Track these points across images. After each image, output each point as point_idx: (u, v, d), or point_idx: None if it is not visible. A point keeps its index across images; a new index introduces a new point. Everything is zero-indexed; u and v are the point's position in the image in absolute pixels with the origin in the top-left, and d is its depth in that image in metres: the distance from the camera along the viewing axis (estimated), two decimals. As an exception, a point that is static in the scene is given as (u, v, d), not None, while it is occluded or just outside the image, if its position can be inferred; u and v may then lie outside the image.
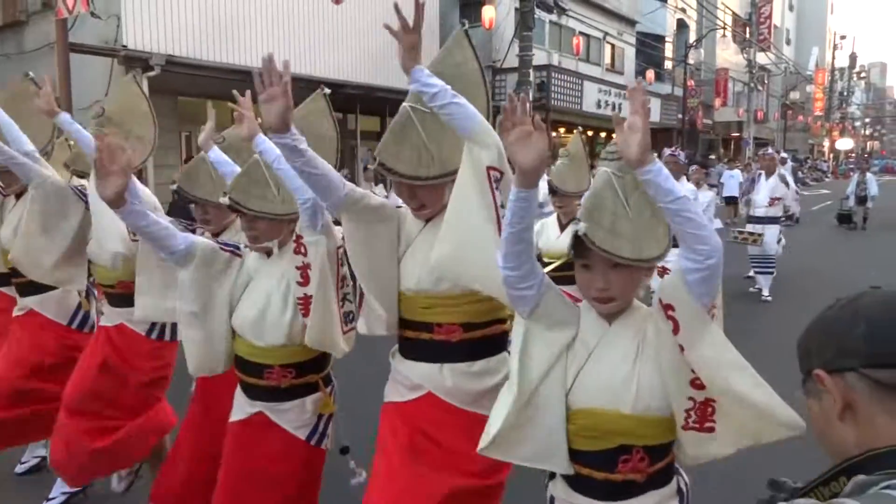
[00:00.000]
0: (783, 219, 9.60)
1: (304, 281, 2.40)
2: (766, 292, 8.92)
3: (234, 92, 2.57)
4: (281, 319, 2.45)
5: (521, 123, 1.65)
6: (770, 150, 9.66)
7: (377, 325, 2.44)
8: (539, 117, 1.74)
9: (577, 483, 1.81)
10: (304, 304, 2.42)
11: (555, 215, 4.76)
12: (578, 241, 1.73)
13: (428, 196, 2.29)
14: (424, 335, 2.34)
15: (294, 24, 13.62)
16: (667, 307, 1.66)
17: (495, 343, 2.37)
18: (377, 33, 14.23)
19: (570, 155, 4.56)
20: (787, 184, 9.40)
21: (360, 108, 15.86)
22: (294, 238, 2.45)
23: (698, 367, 1.64)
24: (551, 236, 4.65)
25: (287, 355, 2.50)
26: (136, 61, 10.70)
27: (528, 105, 1.71)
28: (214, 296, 2.53)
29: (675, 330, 1.64)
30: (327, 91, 2.72)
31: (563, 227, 4.59)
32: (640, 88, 1.60)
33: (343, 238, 2.40)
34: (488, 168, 2.10)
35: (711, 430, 1.71)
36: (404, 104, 2.29)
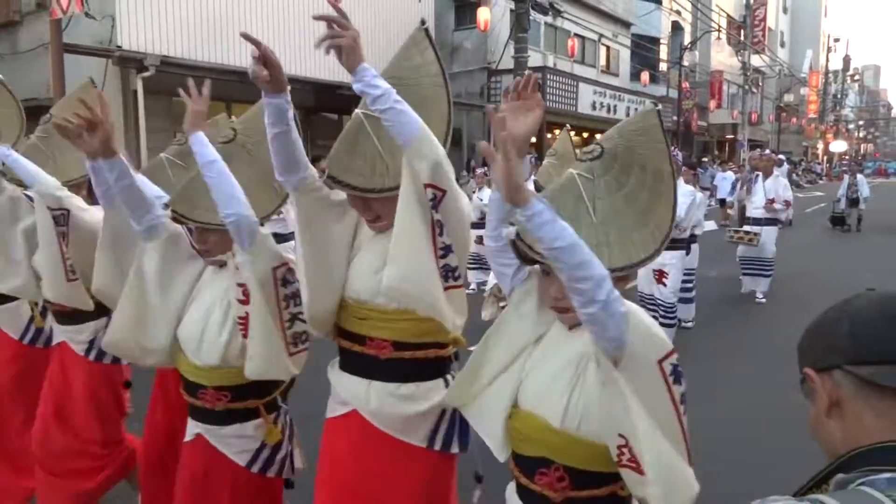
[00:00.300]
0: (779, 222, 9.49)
1: (245, 299, 2.25)
2: (759, 295, 8.83)
3: (190, 81, 2.32)
4: (217, 340, 2.31)
5: (526, 99, 1.64)
6: (767, 151, 9.58)
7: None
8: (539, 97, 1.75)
9: (515, 482, 1.79)
10: (244, 324, 2.27)
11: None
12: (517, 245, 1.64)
13: (383, 208, 2.15)
14: (356, 347, 2.23)
15: (289, 25, 13.60)
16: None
17: (429, 367, 2.22)
18: (372, 35, 14.25)
19: (557, 154, 4.48)
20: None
21: (355, 108, 15.81)
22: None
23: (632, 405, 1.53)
24: None
25: (222, 377, 2.35)
26: (130, 62, 10.68)
27: (537, 86, 1.72)
28: (174, 280, 2.42)
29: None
30: (426, 26, 2.35)
31: None
32: (499, 117, 1.48)
33: (294, 246, 2.25)
34: (426, 185, 1.99)
35: (644, 472, 1.51)
36: (357, 110, 2.16)
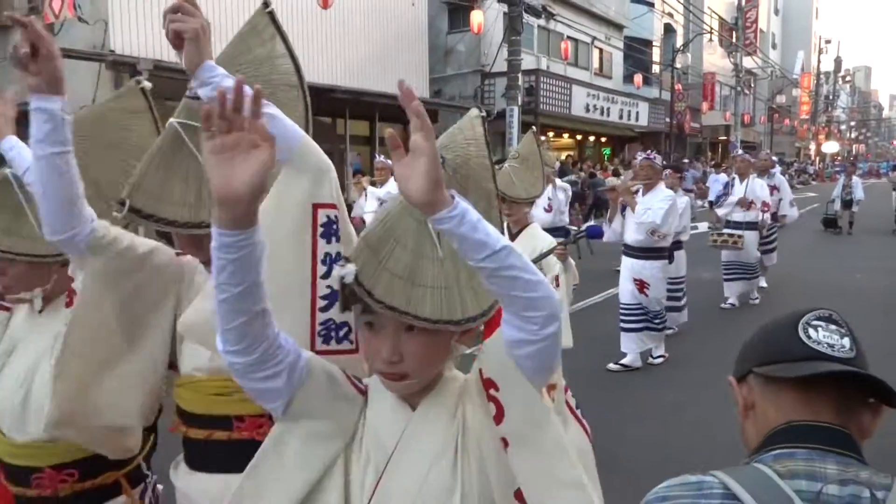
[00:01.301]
0: (775, 224, 9.31)
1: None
2: (754, 295, 8.79)
3: None
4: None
5: (419, 129, 1.04)
6: (740, 152, 9.20)
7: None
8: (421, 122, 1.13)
9: None
10: None
11: (505, 225, 4.31)
12: (349, 289, 1.22)
13: None
14: (219, 434, 1.75)
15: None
16: (488, 384, 1.23)
17: None
18: (366, 38, 14.28)
19: (520, 157, 4.07)
20: (776, 188, 9.04)
21: (350, 112, 15.83)
22: (69, 289, 1.86)
23: (522, 476, 1.20)
24: None
25: (61, 451, 1.80)
26: (123, 66, 10.65)
27: (415, 101, 1.05)
28: None
29: (499, 417, 1.21)
30: (270, 8, 1.87)
31: (513, 238, 3.99)
32: (410, 92, 1.04)
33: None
34: (315, 206, 1.57)
35: None
36: (171, 120, 1.67)
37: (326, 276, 1.57)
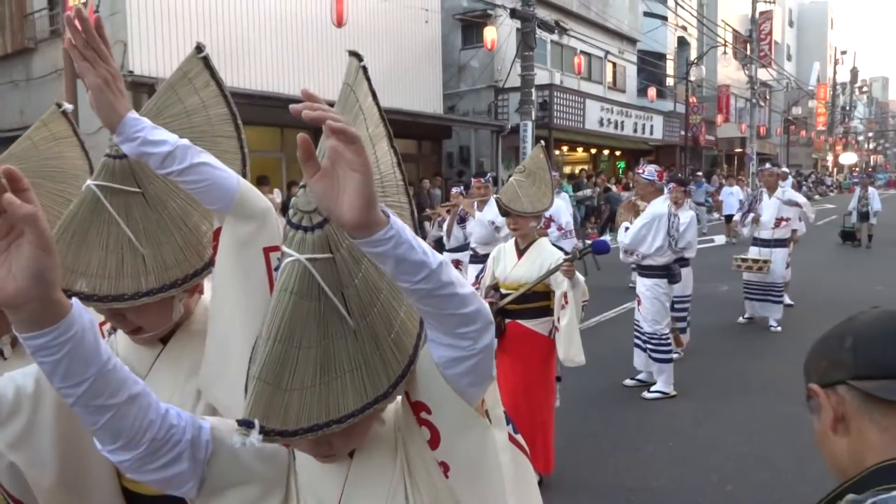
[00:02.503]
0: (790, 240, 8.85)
1: None
2: (774, 323, 8.16)
3: None
4: None
5: (337, 135, 0.91)
6: (768, 165, 8.73)
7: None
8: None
9: None
10: None
11: (513, 240, 4.19)
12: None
13: (145, 316, 1.54)
14: None
15: (298, 48, 13.76)
16: (418, 407, 1.13)
17: None
18: (380, 55, 14.42)
19: (526, 171, 4.08)
20: (796, 204, 8.43)
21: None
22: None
23: (464, 501, 1.15)
24: (508, 264, 4.11)
25: None
26: (142, 87, 10.81)
27: (318, 113, 0.96)
28: None
29: (434, 441, 1.12)
30: (204, 54, 1.73)
31: (520, 253, 4.08)
32: (311, 96, 0.97)
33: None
34: (266, 250, 1.51)
35: None
36: (89, 182, 1.53)
37: None
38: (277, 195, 10.02)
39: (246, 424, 1.01)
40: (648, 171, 5.96)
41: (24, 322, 0.88)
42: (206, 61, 1.69)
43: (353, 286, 1.08)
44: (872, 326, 1.03)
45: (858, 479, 0.98)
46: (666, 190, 6.06)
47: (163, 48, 11.55)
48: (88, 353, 0.92)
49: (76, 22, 1.33)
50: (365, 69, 1.23)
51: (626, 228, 5.89)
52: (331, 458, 1.16)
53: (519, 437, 1.34)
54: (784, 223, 8.11)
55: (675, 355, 6.78)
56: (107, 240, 1.52)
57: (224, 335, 1.51)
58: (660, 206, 5.81)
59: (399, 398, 1.17)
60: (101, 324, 1.66)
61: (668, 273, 5.84)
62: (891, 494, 0.91)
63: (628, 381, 6.15)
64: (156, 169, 1.44)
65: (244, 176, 1.66)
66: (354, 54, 1.25)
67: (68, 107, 2.00)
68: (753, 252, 8.28)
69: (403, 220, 1.13)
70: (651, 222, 5.67)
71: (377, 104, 1.25)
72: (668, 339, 5.89)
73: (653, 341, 5.85)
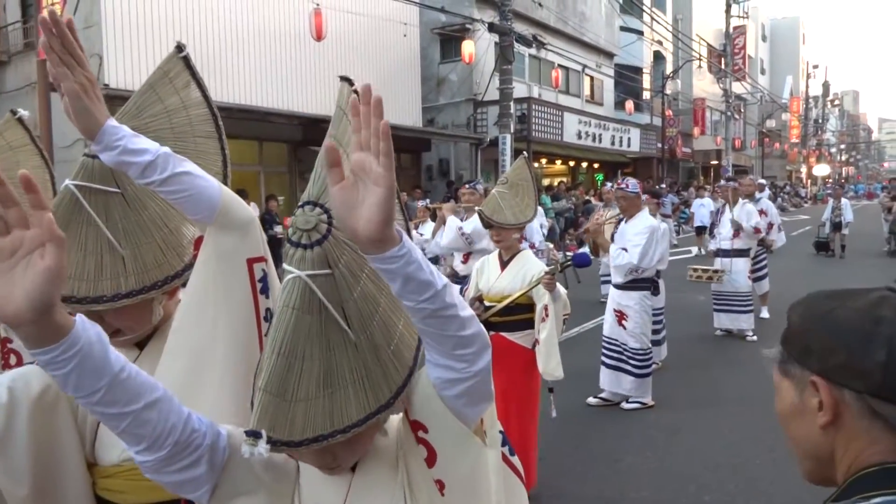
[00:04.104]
0: (762, 250, 8.98)
1: None
2: (749, 333, 8.19)
3: None
4: None
5: (364, 148, 0.93)
6: (723, 182, 8.65)
7: None
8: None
9: None
10: None
11: (496, 252, 4.18)
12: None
13: (126, 318, 1.54)
14: None
15: (276, 61, 13.74)
16: (416, 426, 1.15)
17: None
18: (359, 68, 14.36)
19: (508, 182, 4.06)
20: (739, 226, 8.19)
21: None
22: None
23: None
24: (492, 276, 4.08)
25: None
26: (117, 100, 10.71)
27: (378, 109, 0.94)
28: None
29: (430, 460, 1.15)
30: (184, 53, 1.67)
31: (504, 265, 4.06)
32: (378, 102, 0.94)
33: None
34: (249, 261, 1.49)
35: None
36: (67, 182, 1.50)
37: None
38: (255, 209, 9.97)
39: (253, 435, 1.03)
40: (632, 184, 5.83)
41: (26, 339, 0.88)
42: (187, 61, 1.65)
43: (352, 300, 1.10)
44: (892, 339, 0.93)
45: (843, 490, 0.98)
46: (608, 213, 6.02)
47: (139, 61, 11.48)
48: (97, 366, 0.93)
49: (49, 24, 1.29)
50: (357, 93, 1.20)
51: (624, 249, 5.49)
52: (335, 470, 1.17)
53: (514, 459, 1.35)
54: (741, 234, 8.13)
55: (655, 366, 6.87)
56: (85, 241, 1.49)
57: (200, 348, 1.46)
58: (650, 218, 5.77)
59: (401, 415, 1.19)
60: None
61: (654, 285, 5.78)
62: (871, 502, 0.92)
63: (591, 400, 5.95)
64: (135, 179, 1.41)
65: (225, 176, 1.65)
66: (345, 79, 1.26)
67: (24, 113, 1.98)
68: (717, 263, 8.30)
69: None
70: (651, 236, 5.51)
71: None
72: (651, 352, 5.82)
73: (638, 356, 5.67)
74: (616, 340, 5.77)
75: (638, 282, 5.61)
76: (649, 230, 5.51)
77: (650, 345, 5.80)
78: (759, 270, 9.14)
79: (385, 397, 1.11)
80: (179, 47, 1.65)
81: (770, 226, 9.22)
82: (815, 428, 0.99)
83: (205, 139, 1.67)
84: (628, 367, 5.70)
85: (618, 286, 5.69)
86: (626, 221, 5.74)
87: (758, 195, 9.36)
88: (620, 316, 5.69)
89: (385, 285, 1.09)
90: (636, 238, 5.46)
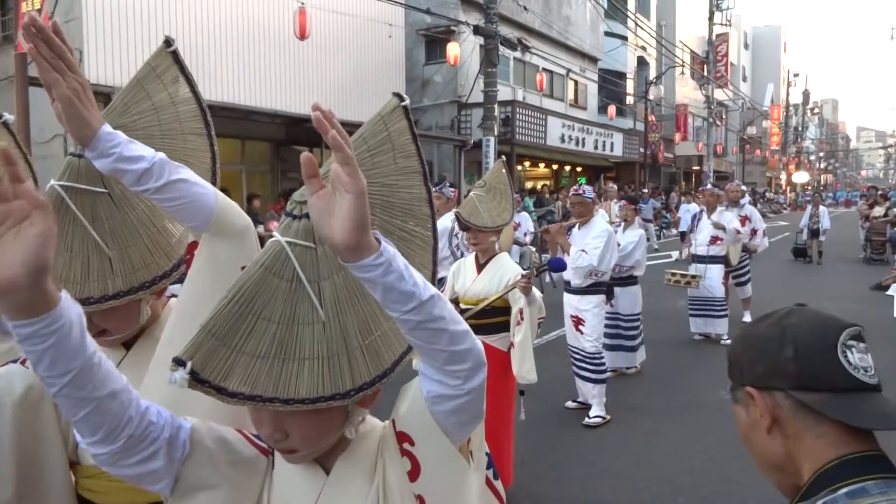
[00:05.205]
0: (746, 255, 9.07)
1: None
2: (725, 336, 8.25)
3: None
4: None
5: (342, 163, 0.92)
6: (709, 186, 8.67)
7: None
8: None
9: None
10: None
11: (472, 255, 4.19)
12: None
13: (111, 320, 1.51)
14: None
15: (259, 60, 13.66)
16: (402, 437, 1.13)
17: None
18: (343, 69, 14.32)
19: (486, 185, 4.08)
20: (721, 227, 8.19)
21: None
22: None
23: None
24: (468, 279, 4.08)
25: None
26: (98, 96, 10.58)
27: (333, 131, 0.92)
28: None
29: (414, 473, 1.12)
30: (173, 48, 1.63)
31: (480, 268, 4.07)
32: (328, 117, 0.93)
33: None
34: (244, 268, 1.43)
35: None
36: (52, 182, 1.48)
37: None
38: (237, 207, 9.91)
39: (178, 363, 1.02)
40: (588, 190, 5.83)
41: (13, 309, 0.89)
42: (176, 56, 1.61)
43: (331, 282, 1.08)
44: (812, 337, 1.05)
45: (805, 491, 1.03)
46: (616, 208, 5.97)
47: (121, 56, 11.36)
48: (74, 346, 0.94)
49: (32, 29, 1.22)
50: (406, 109, 1.21)
51: (583, 251, 5.43)
52: (291, 456, 1.13)
53: (497, 484, 1.33)
54: (719, 241, 8.15)
55: (633, 370, 6.92)
56: (71, 242, 1.46)
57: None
58: (605, 223, 5.79)
59: (388, 422, 1.17)
60: None
61: (610, 289, 5.74)
62: (838, 493, 0.98)
63: (569, 404, 5.96)
64: (130, 186, 1.37)
65: (214, 174, 1.61)
66: (398, 95, 1.23)
67: (9, 118, 1.93)
68: (692, 269, 8.36)
69: (423, 255, 1.22)
70: (609, 240, 5.52)
71: (416, 144, 1.23)
72: (603, 356, 5.74)
73: (595, 361, 5.61)
74: (577, 348, 5.71)
75: (596, 285, 5.57)
76: (607, 234, 5.52)
77: (602, 349, 5.73)
78: (742, 276, 9.22)
79: (345, 387, 1.08)
80: (168, 42, 1.61)
81: (753, 231, 9.29)
82: (766, 437, 1.08)
83: (194, 136, 1.63)
84: (586, 374, 5.65)
85: (576, 290, 5.61)
86: (579, 227, 5.64)
87: (741, 201, 9.45)
88: (577, 321, 5.63)
89: (367, 298, 1.08)
90: (595, 241, 5.45)
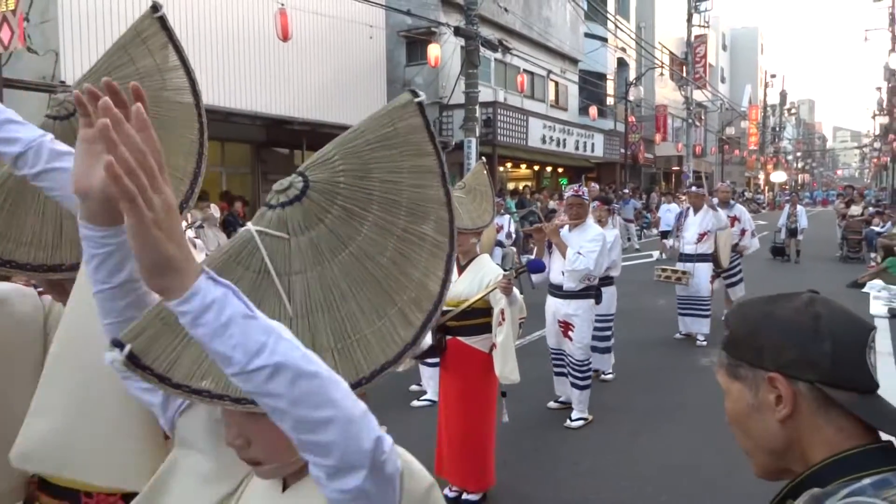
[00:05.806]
0: (737, 256, 9.09)
1: None
2: (701, 337, 8.28)
3: None
4: None
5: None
6: (694, 188, 8.78)
7: None
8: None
9: None
10: None
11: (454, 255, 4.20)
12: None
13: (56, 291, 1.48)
14: None
15: (239, 61, 13.56)
16: None
17: None
18: (324, 70, 14.24)
19: (466, 187, 4.06)
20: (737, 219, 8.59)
21: (307, 143, 15.83)
22: None
23: None
24: None
25: None
26: (75, 97, 10.46)
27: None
28: None
29: None
30: (160, 11, 1.57)
31: (461, 269, 4.06)
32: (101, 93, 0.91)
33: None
34: (208, 255, 1.32)
35: None
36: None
37: None
38: (215, 210, 9.80)
39: (116, 345, 0.93)
40: (586, 191, 5.71)
41: (85, 213, 1.02)
42: (163, 22, 1.53)
43: (304, 276, 1.01)
44: (847, 335, 1.03)
45: (816, 472, 1.02)
46: (592, 207, 5.77)
47: (97, 57, 11.18)
48: (117, 264, 1.07)
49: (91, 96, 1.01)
50: (421, 106, 1.15)
51: (578, 253, 5.26)
52: (257, 469, 1.06)
53: None
54: (706, 238, 8.16)
55: (609, 375, 6.82)
56: (43, 206, 1.39)
57: (84, 380, 1.31)
58: (597, 227, 5.69)
59: None
60: (40, 293, 1.56)
61: (597, 293, 5.62)
62: (862, 483, 0.96)
63: (551, 404, 5.96)
64: (12, 171, 1.29)
65: (202, 145, 1.50)
66: (412, 91, 1.16)
67: None
68: (679, 267, 8.36)
69: (433, 261, 1.12)
70: (604, 244, 5.39)
71: (434, 143, 1.15)
72: (590, 363, 5.66)
73: (582, 368, 5.50)
74: (562, 352, 5.64)
75: (588, 289, 5.45)
76: (602, 237, 5.43)
77: (590, 355, 5.65)
78: (734, 276, 9.22)
79: None
80: (155, 7, 1.52)
81: (743, 232, 9.27)
82: (773, 422, 1.05)
83: (181, 105, 1.55)
84: (572, 380, 5.58)
85: (566, 294, 5.43)
86: (570, 229, 5.49)
87: (731, 202, 9.50)
88: (567, 327, 5.48)
89: (368, 289, 1.03)
90: (590, 244, 5.29)
